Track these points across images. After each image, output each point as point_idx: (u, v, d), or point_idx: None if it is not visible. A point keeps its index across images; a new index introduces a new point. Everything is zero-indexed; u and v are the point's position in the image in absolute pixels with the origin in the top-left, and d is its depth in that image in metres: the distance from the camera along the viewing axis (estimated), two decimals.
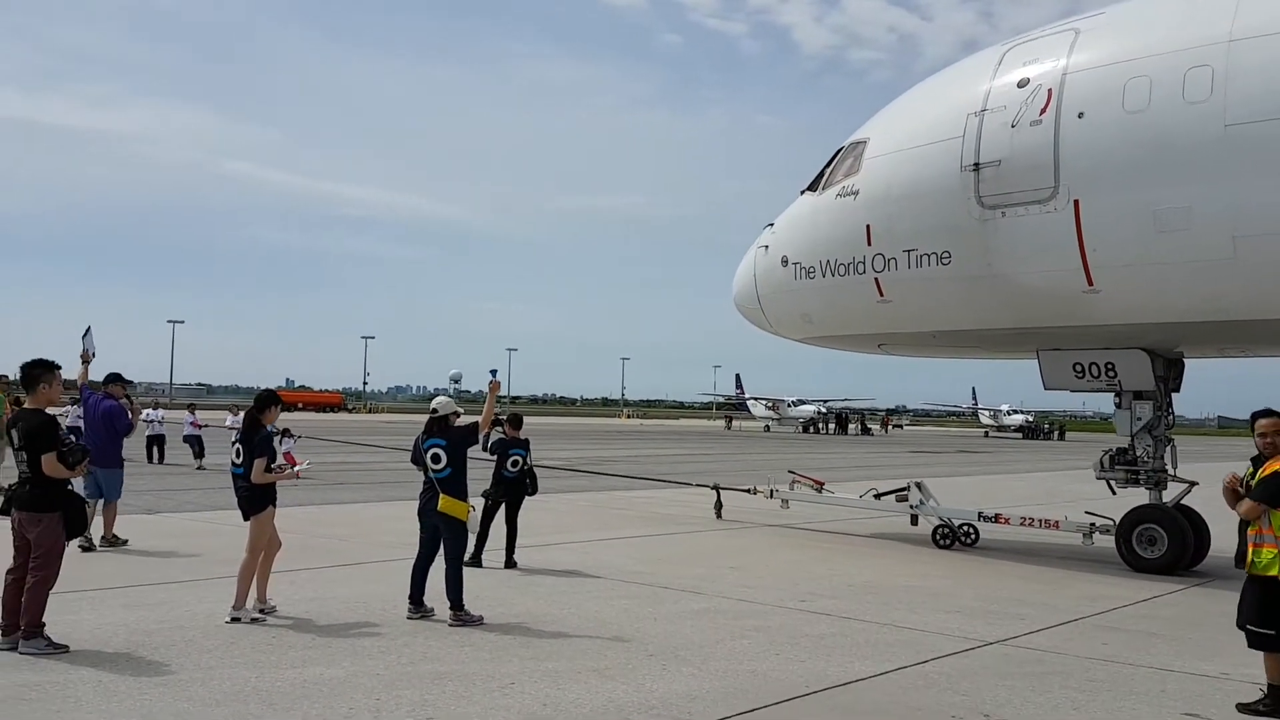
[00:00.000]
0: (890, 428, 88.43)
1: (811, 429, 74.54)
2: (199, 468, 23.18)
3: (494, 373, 8.65)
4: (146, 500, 15.89)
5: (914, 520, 14.26)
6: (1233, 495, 6.30)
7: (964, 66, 13.22)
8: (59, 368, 6.96)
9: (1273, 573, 6.02)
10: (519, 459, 10.75)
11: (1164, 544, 11.61)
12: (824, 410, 77.62)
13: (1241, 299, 10.61)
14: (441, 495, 8.20)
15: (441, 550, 8.25)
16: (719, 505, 16.11)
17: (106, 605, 8.15)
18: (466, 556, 8.57)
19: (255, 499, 8.05)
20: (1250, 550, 6.18)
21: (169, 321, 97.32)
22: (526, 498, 11.03)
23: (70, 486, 6.86)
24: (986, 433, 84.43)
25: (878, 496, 14.40)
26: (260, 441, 7.99)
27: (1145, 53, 10.87)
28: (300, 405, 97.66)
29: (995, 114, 11.68)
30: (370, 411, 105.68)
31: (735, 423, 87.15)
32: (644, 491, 18.82)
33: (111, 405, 11.68)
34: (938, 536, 13.51)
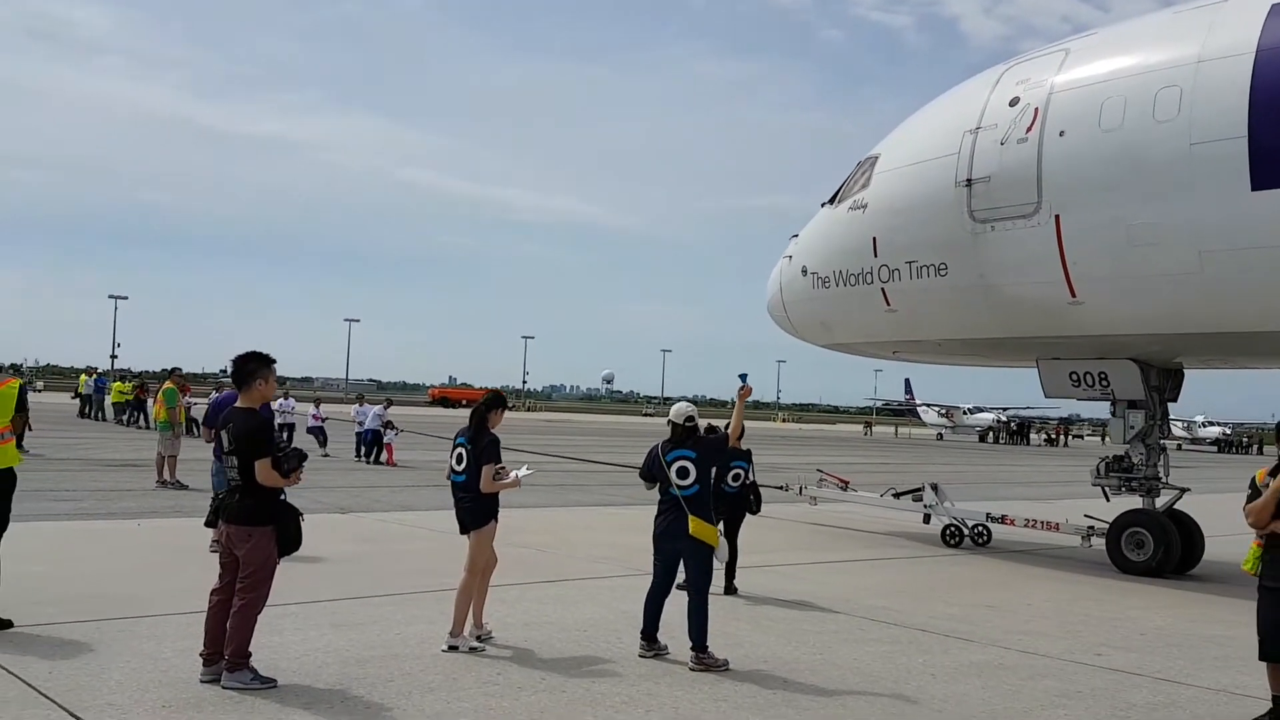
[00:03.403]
0: (1069, 438, 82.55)
1: (991, 438, 70.54)
2: (324, 455, 24.11)
3: (744, 378, 7.46)
4: (337, 497, 15.53)
5: (926, 519, 14.57)
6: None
7: (968, 85, 13.51)
8: (274, 361, 6.15)
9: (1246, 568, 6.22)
10: (740, 472, 9.55)
11: (1150, 547, 11.90)
12: (1003, 418, 73.28)
13: (1208, 312, 10.89)
14: (691, 517, 7.01)
15: (684, 581, 7.10)
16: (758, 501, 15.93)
17: (312, 624, 7.38)
18: (679, 581, 7.30)
19: (481, 511, 7.10)
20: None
21: (345, 320, 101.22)
22: (747, 516, 9.82)
23: (284, 497, 6.04)
24: (1180, 445, 78.07)
25: (896, 496, 14.85)
26: (489, 445, 7.05)
27: (1123, 73, 11.20)
28: (464, 402, 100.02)
29: (988, 132, 12.06)
30: (530, 410, 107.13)
31: (901, 429, 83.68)
32: (830, 506, 17.10)
33: None
34: (947, 535, 13.97)
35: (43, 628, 6.93)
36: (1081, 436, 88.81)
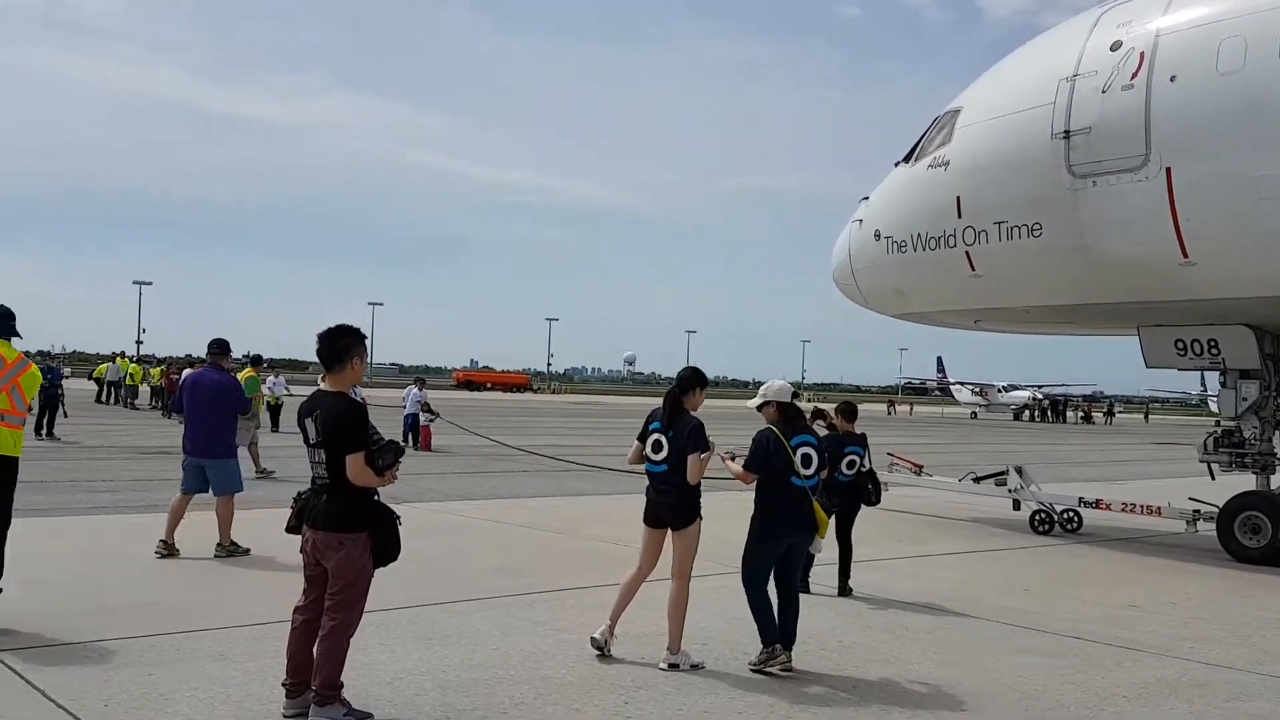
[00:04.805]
0: (1106, 417, 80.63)
1: (1025, 416, 69.15)
2: None
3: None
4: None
5: (1016, 505, 13.57)
6: None
7: (1060, 30, 12.53)
8: (366, 337, 5.17)
9: None
10: (855, 458, 8.56)
11: (1268, 532, 10.98)
12: (1038, 396, 71.85)
13: None
14: (817, 506, 6.32)
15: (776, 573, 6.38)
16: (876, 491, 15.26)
17: (396, 638, 6.44)
18: None
19: (689, 506, 6.17)
20: None
21: (369, 304, 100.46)
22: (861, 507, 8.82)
23: (377, 498, 5.08)
24: (1218, 422, 76.38)
25: (977, 480, 13.98)
26: (693, 432, 6.09)
27: (1241, 11, 10.29)
28: (489, 385, 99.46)
29: (1087, 79, 11.12)
30: (554, 393, 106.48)
31: (928, 409, 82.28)
32: (901, 491, 16.03)
33: (226, 379, 9.66)
34: (1036, 522, 13.05)
35: (91, 645, 6.03)
36: (1114, 414, 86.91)
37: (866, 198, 14.43)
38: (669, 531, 6.25)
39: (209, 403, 9.33)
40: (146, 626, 6.49)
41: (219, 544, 9.13)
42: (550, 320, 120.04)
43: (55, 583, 7.57)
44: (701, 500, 6.25)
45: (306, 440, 5.01)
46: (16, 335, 6.74)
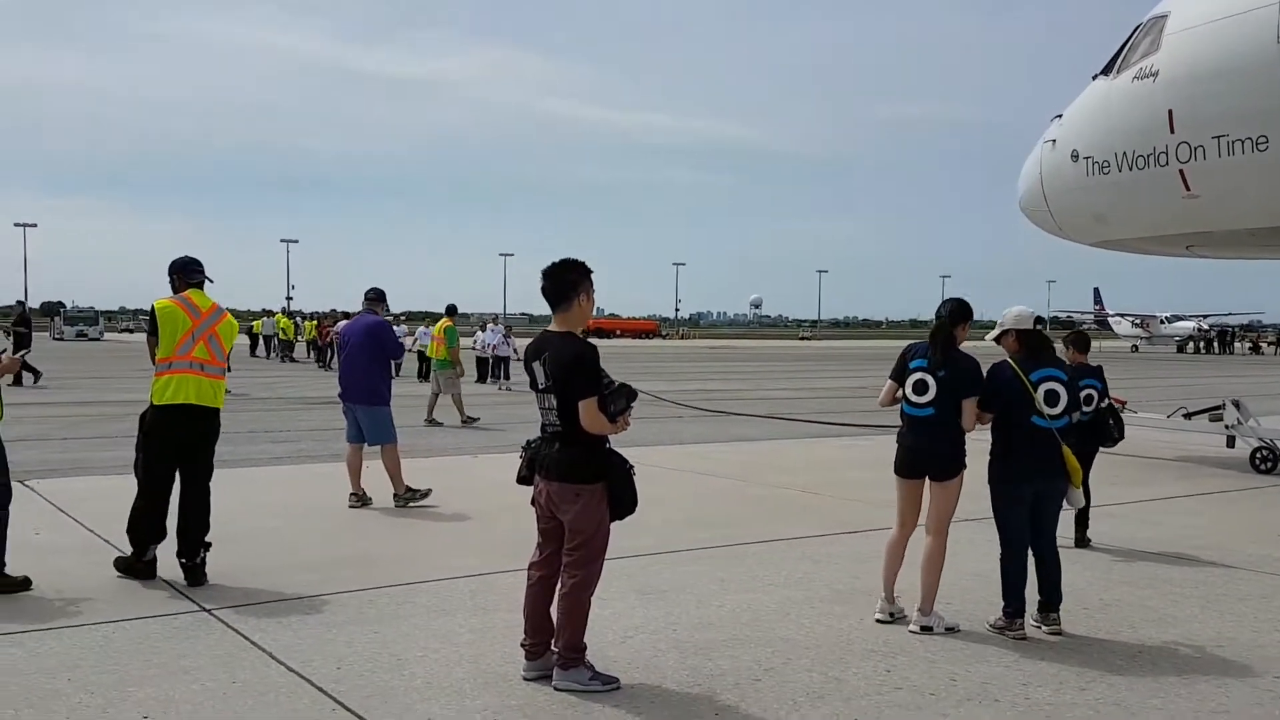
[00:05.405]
0: (1274, 346, 75.04)
1: (1190, 348, 64.96)
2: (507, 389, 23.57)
3: None
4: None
5: (1230, 442, 12.53)
6: None
7: None
8: (592, 271, 4.68)
9: None
10: (1093, 393, 7.70)
11: None
12: (1204, 327, 67.37)
13: None
14: (1067, 451, 5.57)
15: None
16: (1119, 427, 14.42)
17: (615, 592, 5.93)
18: None
19: (959, 455, 5.56)
20: None
21: (500, 255, 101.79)
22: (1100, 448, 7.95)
23: (608, 444, 4.62)
24: None
25: (1188, 416, 13.06)
26: (967, 374, 5.50)
27: None
28: (618, 332, 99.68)
29: None
30: (683, 338, 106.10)
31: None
32: None
33: (376, 322, 9.31)
34: (1257, 460, 12.07)
35: (307, 600, 5.85)
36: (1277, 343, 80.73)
37: (1059, 116, 13.37)
38: (926, 482, 5.61)
39: (358, 346, 9.11)
40: (356, 580, 6.28)
41: (395, 495, 8.97)
42: (677, 265, 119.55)
43: (253, 535, 7.50)
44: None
45: (534, 385, 4.58)
46: (208, 280, 6.56)
